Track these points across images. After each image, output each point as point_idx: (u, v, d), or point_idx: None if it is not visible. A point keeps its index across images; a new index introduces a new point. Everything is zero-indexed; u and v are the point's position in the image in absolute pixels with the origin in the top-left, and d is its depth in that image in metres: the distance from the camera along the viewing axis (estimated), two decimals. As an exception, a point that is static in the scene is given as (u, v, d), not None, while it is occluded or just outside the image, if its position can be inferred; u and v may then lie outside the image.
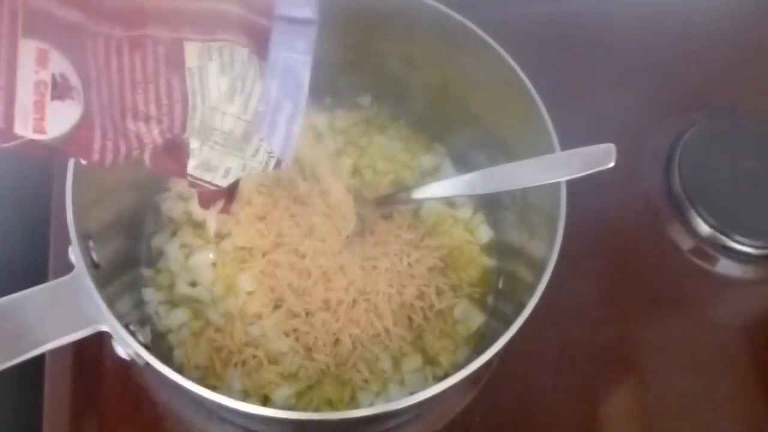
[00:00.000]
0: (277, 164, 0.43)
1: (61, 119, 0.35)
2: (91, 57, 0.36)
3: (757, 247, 0.70)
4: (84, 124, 0.35)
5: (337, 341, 0.59)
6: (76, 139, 0.35)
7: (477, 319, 0.63)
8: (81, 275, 0.46)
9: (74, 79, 0.35)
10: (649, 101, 0.80)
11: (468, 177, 0.56)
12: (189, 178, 0.42)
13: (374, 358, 0.60)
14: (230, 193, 0.48)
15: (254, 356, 0.59)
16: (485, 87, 0.60)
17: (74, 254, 0.47)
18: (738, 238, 0.70)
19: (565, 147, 0.54)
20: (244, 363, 0.59)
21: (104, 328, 0.46)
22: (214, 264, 0.62)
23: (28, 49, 0.33)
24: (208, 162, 0.41)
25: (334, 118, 0.71)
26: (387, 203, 0.63)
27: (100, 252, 0.52)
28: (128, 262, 0.61)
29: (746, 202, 0.72)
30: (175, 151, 0.41)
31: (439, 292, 0.62)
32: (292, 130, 0.40)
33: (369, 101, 0.71)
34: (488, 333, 0.62)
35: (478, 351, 0.57)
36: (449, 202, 0.67)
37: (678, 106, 0.79)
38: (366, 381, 0.59)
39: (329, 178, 0.64)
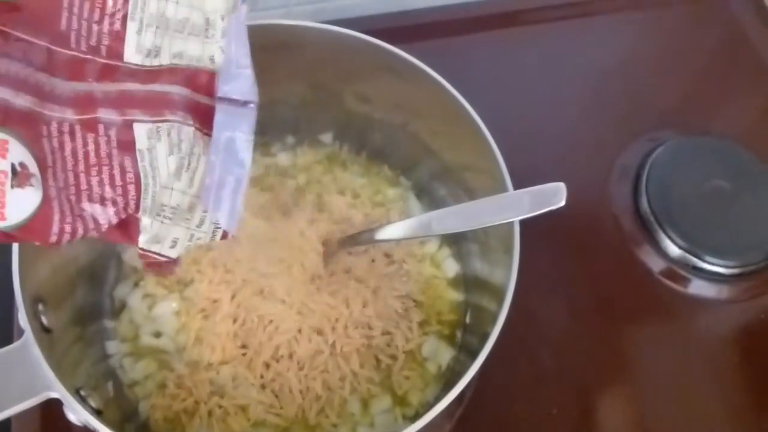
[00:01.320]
0: (224, 235, 0.44)
1: (20, 207, 0.35)
2: (47, 142, 0.37)
3: (727, 267, 0.69)
4: (43, 210, 0.36)
5: (304, 387, 0.59)
6: (35, 225, 0.36)
7: (446, 355, 0.62)
8: (30, 341, 0.46)
9: (33, 167, 0.36)
10: (615, 121, 0.79)
11: (424, 218, 0.55)
12: (139, 251, 0.42)
13: (342, 402, 0.59)
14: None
15: (220, 406, 0.58)
16: (439, 123, 0.60)
17: (22, 320, 0.46)
18: (708, 258, 0.69)
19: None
20: (210, 413, 0.58)
21: (55, 394, 0.45)
22: (177, 313, 0.62)
23: None
24: (157, 235, 0.42)
25: (296, 156, 0.71)
26: (350, 243, 0.62)
27: (56, 311, 0.51)
28: (91, 314, 0.61)
29: (715, 222, 0.71)
30: (125, 226, 0.41)
31: (405, 329, 0.62)
32: (236, 203, 0.42)
33: (331, 138, 0.71)
34: (457, 368, 0.62)
35: (448, 388, 0.56)
36: (413, 238, 0.66)
37: (645, 126, 0.79)
38: (335, 425, 0.58)
39: (293, 217, 0.64)
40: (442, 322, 0.64)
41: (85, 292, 0.60)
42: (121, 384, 0.59)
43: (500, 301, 0.51)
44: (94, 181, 0.38)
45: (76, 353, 0.54)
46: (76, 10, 0.37)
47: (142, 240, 0.41)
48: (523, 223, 0.52)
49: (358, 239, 0.61)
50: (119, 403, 0.58)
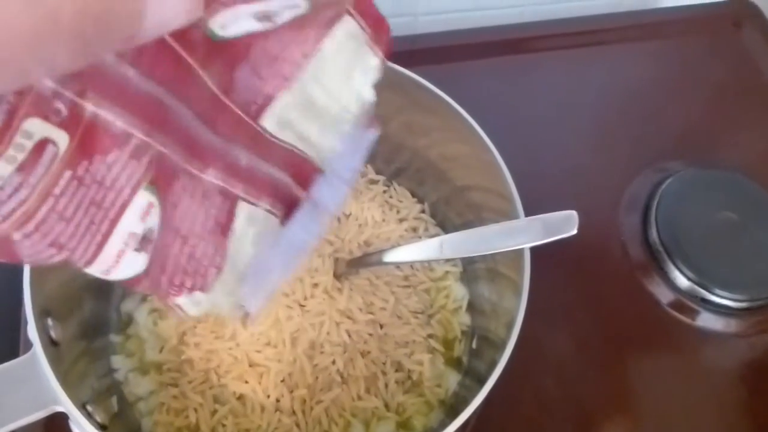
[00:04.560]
0: (242, 318, 0.44)
1: (128, 268, 0.33)
2: (170, 199, 0.34)
3: (736, 300, 0.69)
4: (142, 275, 0.34)
5: (309, 408, 0.58)
6: (126, 282, 0.34)
7: (452, 380, 0.62)
8: (39, 354, 0.46)
9: (156, 232, 0.33)
10: (625, 150, 0.79)
11: (434, 241, 0.55)
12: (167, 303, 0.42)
13: (346, 424, 0.59)
14: None
15: (223, 425, 0.58)
16: (449, 146, 0.60)
17: (31, 333, 0.46)
18: (718, 291, 0.69)
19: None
20: (213, 431, 0.58)
21: (61, 408, 0.45)
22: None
23: (141, 200, 0.32)
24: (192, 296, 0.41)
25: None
26: (358, 265, 0.62)
27: (63, 324, 0.51)
28: (97, 328, 0.61)
29: (724, 255, 0.71)
30: None
31: (413, 354, 0.62)
32: (269, 295, 0.42)
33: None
34: (463, 394, 0.61)
35: (453, 413, 0.56)
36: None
37: (654, 156, 0.79)
38: (337, 448, 0.58)
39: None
40: (448, 347, 0.63)
41: (92, 305, 0.60)
42: (125, 399, 0.59)
43: (508, 328, 0.51)
44: (186, 251, 0.36)
45: (82, 367, 0.54)
46: (254, 64, 0.35)
47: (180, 300, 0.39)
48: (531, 249, 0.52)
49: (366, 261, 0.61)
50: (123, 419, 0.57)
